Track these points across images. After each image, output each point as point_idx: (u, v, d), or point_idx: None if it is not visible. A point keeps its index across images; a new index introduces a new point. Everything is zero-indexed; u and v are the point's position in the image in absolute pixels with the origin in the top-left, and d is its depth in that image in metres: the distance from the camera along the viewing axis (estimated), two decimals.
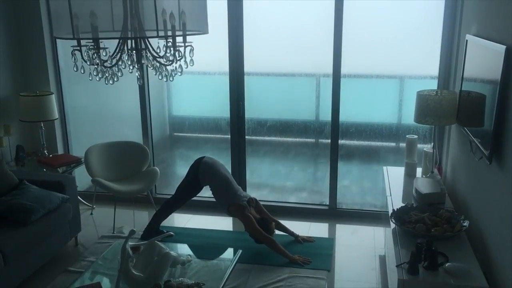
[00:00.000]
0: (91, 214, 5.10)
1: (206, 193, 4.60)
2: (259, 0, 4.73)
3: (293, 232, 4.40)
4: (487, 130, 2.82)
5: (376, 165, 5.06)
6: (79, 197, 4.66)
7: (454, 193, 3.85)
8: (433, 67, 4.49)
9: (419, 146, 4.40)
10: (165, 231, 4.30)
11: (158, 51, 2.64)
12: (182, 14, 2.43)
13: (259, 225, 4.07)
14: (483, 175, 3.07)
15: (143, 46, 2.57)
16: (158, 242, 3.25)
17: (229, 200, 4.15)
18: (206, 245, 4.36)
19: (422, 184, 3.73)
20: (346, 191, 5.13)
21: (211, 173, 4.25)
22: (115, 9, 2.41)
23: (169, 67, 2.66)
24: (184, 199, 4.42)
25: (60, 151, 5.26)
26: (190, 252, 3.69)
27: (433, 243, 2.77)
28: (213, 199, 4.38)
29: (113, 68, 2.58)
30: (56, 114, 4.91)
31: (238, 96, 4.89)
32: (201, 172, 4.24)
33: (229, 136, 5.05)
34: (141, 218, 5.04)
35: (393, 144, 4.98)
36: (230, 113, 4.96)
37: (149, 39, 2.55)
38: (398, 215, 3.31)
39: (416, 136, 4.31)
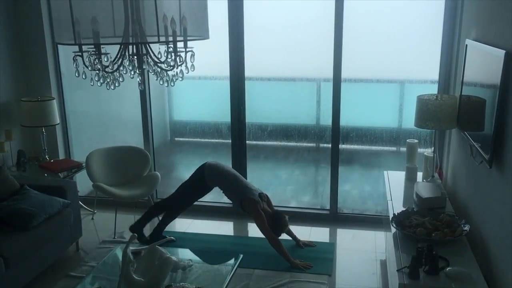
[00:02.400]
0: (92, 219, 5.11)
1: (206, 197, 4.60)
2: (260, 5, 4.75)
3: (295, 236, 4.41)
4: (487, 134, 2.83)
5: (377, 169, 5.06)
6: (80, 202, 4.66)
7: (454, 197, 3.86)
8: (433, 72, 4.50)
9: (420, 150, 4.41)
10: (166, 236, 4.30)
11: (159, 56, 2.65)
12: (183, 20, 2.45)
13: (272, 219, 4.09)
14: (484, 179, 3.07)
15: (144, 52, 2.58)
16: (159, 247, 3.25)
17: (241, 194, 4.15)
18: (207, 249, 4.36)
19: (423, 188, 3.73)
20: (347, 196, 5.13)
21: (217, 173, 4.27)
22: (117, 15, 2.42)
23: (170, 72, 2.67)
24: (190, 200, 4.41)
25: (61, 156, 5.27)
26: (191, 257, 3.68)
27: (433, 248, 2.77)
28: (215, 204, 4.39)
29: (115, 73, 2.59)
30: (57, 119, 4.93)
31: (239, 101, 4.90)
32: (207, 175, 4.26)
33: (230, 141, 5.06)
34: None
35: (393, 148, 4.99)
36: (230, 118, 4.97)
37: (150, 44, 2.56)
38: (399, 219, 3.32)
39: (416, 141, 4.31)
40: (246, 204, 4.12)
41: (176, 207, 4.45)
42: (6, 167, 4.31)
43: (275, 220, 4.11)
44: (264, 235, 4.08)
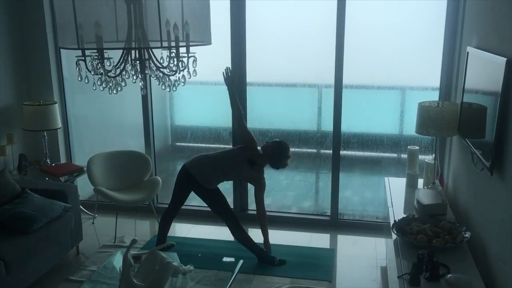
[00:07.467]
0: (93, 223, 5.11)
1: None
2: (262, 11, 4.77)
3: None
4: (488, 141, 2.83)
5: (378, 176, 5.06)
6: (81, 206, 4.66)
7: (455, 204, 3.85)
8: (434, 79, 4.50)
9: (421, 157, 4.41)
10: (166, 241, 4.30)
11: (161, 61, 2.66)
12: (185, 25, 2.46)
13: (272, 149, 4.10)
14: (485, 186, 3.07)
15: (147, 57, 2.59)
16: (159, 252, 3.25)
17: (248, 162, 4.10)
18: (208, 254, 4.36)
19: (424, 195, 3.73)
20: (347, 202, 5.13)
21: (199, 161, 4.15)
22: (120, 20, 2.43)
23: (172, 77, 2.67)
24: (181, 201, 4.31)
25: (63, 160, 5.28)
26: (192, 262, 3.69)
27: (434, 254, 2.76)
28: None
29: (117, 78, 2.60)
30: (59, 123, 4.94)
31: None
32: (195, 173, 4.09)
33: (231, 146, 5.07)
34: (143, 227, 5.04)
35: (394, 155, 4.99)
36: (232, 123, 4.98)
37: (153, 49, 2.57)
38: (400, 226, 3.31)
39: (417, 147, 4.31)
40: (256, 169, 4.11)
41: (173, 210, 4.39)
42: (7, 171, 4.31)
43: (273, 148, 4.08)
44: (257, 206, 4.14)
